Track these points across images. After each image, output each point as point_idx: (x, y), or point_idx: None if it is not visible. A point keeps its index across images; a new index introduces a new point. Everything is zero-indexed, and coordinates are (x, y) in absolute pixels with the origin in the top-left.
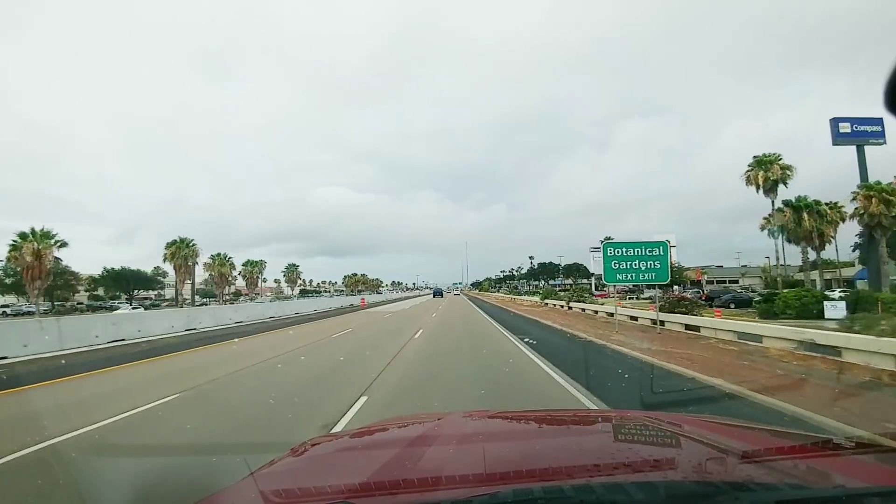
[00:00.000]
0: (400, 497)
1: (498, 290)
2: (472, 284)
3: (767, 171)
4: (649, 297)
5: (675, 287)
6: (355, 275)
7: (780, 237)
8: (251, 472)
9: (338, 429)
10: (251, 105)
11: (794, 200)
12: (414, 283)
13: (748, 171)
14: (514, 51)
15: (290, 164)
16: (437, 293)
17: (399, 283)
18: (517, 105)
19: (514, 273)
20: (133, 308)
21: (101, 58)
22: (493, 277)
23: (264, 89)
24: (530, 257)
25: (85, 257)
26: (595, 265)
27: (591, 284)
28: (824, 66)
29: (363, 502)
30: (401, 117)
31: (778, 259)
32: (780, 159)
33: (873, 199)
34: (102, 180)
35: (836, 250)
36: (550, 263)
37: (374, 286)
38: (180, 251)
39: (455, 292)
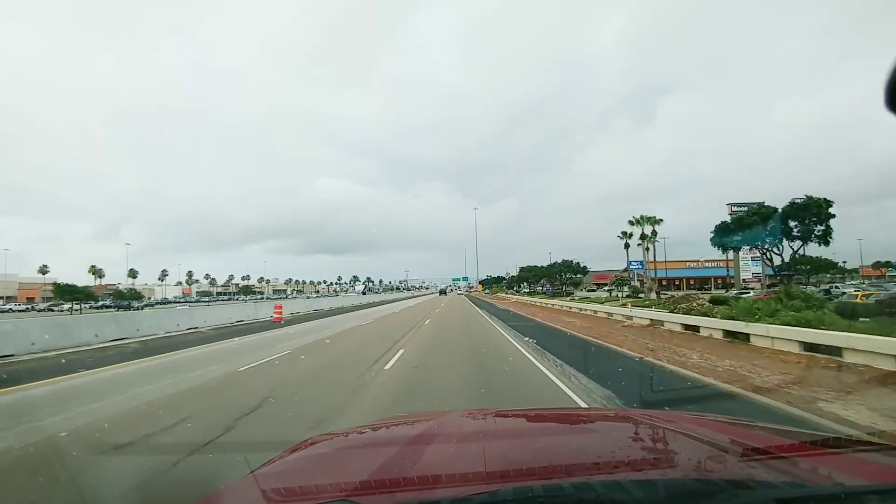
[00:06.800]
0: (400, 495)
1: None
2: (482, 282)
3: None
4: None
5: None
6: None
7: None
8: (251, 470)
9: None
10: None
11: None
12: (402, 282)
13: None
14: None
15: (286, 156)
16: (442, 292)
17: (375, 282)
18: (532, 84)
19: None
20: None
21: None
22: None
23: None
24: None
25: (73, 255)
26: None
27: None
28: None
29: (363, 500)
30: (400, 100)
31: None
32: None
33: None
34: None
35: None
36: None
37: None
38: None
39: (458, 292)
